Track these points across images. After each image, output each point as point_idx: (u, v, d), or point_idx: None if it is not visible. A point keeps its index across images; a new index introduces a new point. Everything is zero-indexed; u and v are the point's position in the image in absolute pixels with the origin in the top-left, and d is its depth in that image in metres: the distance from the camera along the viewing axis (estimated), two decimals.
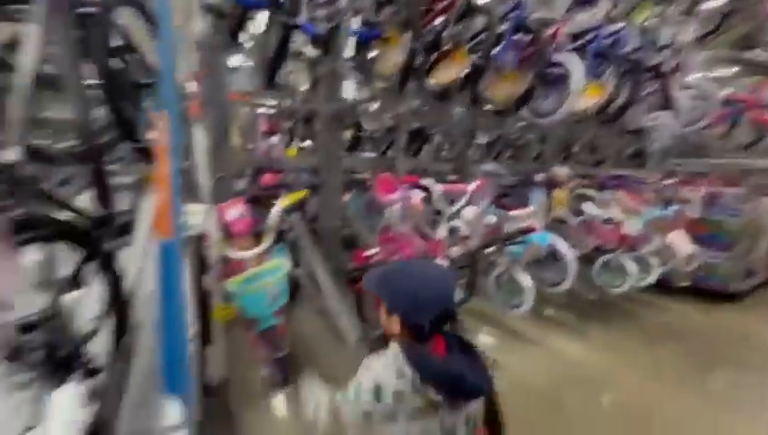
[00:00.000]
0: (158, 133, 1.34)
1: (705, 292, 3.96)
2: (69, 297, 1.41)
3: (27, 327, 1.25)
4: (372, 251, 3.03)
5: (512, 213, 2.67)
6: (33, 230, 1.22)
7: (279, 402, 2.24)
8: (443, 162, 4.81)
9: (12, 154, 1.16)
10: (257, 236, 2.49)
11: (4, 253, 1.03)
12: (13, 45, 1.31)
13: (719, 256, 3.90)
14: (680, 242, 3.47)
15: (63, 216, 1.43)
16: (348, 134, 4.62)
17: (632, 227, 3.29)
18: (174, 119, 1.34)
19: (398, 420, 0.90)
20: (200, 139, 3.12)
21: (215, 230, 2.36)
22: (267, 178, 4.87)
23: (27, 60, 1.26)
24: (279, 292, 1.69)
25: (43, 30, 1.30)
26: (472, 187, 2.43)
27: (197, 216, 2.31)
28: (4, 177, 1.18)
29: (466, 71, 2.38)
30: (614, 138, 4.22)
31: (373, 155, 4.88)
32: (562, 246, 2.82)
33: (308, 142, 5.51)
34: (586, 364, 2.64)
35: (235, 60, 3.51)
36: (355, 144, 4.54)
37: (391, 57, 2.25)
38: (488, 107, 2.85)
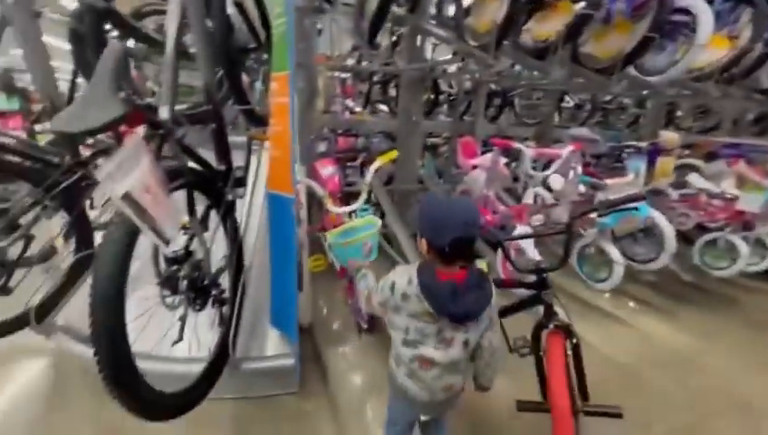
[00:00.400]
0: (277, 95, 1.47)
1: None
2: (202, 238, 1.67)
3: (176, 260, 1.51)
4: None
5: (609, 182, 2.47)
6: (180, 179, 1.44)
7: (362, 345, 2.44)
8: (524, 127, 4.56)
9: (165, 113, 1.35)
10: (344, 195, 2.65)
11: (165, 196, 1.24)
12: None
13: None
14: None
15: (197, 169, 1.65)
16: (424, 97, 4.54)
17: (750, 203, 2.88)
18: (292, 81, 1.46)
19: (402, 315, 1.12)
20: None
21: (305, 187, 2.56)
22: (341, 142, 5.04)
23: (171, 31, 1.43)
24: (372, 246, 1.82)
25: (180, 2, 1.47)
26: (566, 151, 2.29)
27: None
28: (158, 133, 1.39)
29: (568, 23, 2.16)
30: (735, 100, 3.61)
31: (448, 119, 4.77)
32: (661, 220, 2.58)
33: (383, 106, 5.56)
34: (678, 348, 2.47)
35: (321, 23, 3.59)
36: (432, 107, 4.46)
37: (488, 11, 2.12)
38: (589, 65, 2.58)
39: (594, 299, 2.95)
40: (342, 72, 6.09)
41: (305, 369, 2.07)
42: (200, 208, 1.71)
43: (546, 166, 2.45)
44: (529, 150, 2.23)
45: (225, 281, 1.81)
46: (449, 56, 4.07)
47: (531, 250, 2.19)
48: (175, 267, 1.52)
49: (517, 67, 3.32)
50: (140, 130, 1.25)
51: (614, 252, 2.57)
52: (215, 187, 1.74)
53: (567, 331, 1.50)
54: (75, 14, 1.94)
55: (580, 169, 2.33)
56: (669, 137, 2.73)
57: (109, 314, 1.12)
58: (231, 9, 2.24)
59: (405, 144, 3.70)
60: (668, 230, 2.62)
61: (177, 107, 1.57)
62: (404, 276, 1.11)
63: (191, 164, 1.62)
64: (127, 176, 0.98)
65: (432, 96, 4.38)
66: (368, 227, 1.87)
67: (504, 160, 2.69)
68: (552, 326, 1.51)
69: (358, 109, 4.80)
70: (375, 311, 1.26)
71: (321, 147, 4.49)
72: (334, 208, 1.80)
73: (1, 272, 1.76)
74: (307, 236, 2.51)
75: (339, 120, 3.77)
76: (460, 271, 1.09)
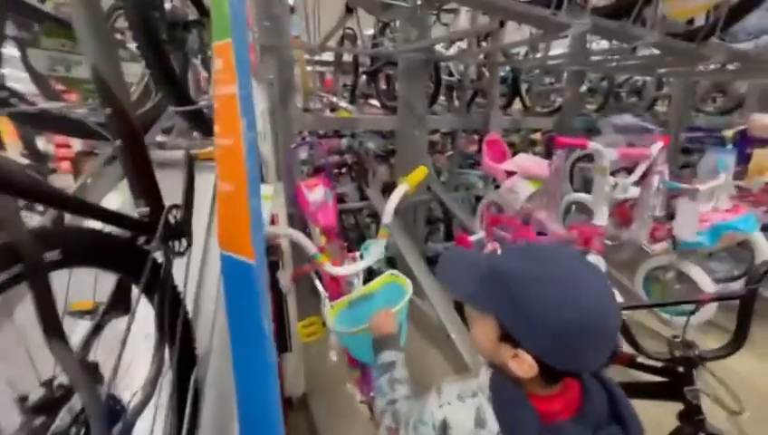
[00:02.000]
0: (221, 80, 0.74)
1: None
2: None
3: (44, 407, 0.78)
4: (476, 236, 2.39)
5: (700, 187, 1.83)
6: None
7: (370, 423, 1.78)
8: (542, 116, 3.92)
9: None
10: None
11: None
12: None
13: None
14: None
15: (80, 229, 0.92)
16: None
17: None
18: (241, 52, 0.73)
19: None
20: (259, 98, 2.57)
21: (284, 212, 1.84)
22: (324, 145, 4.30)
23: None
24: (402, 325, 1.12)
25: None
26: (656, 149, 1.63)
27: (266, 200, 1.80)
28: None
29: None
30: None
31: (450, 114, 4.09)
32: (756, 234, 1.97)
33: (373, 101, 4.83)
34: None
35: None
36: (432, 99, 3.76)
37: None
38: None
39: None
40: (320, 64, 5.36)
41: None
42: (106, 286, 1.00)
43: (620, 171, 1.80)
44: (610, 151, 1.57)
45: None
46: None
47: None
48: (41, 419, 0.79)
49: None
50: None
51: (703, 278, 1.94)
52: (127, 248, 1.01)
53: None
54: None
55: (666, 171, 1.69)
56: (763, 122, 2.12)
57: None
58: None
59: (407, 144, 3.00)
60: (762, 242, 2.02)
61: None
62: (466, 414, 0.62)
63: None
64: None
65: (433, 86, 3.69)
66: (392, 293, 1.17)
67: (543, 163, 2.01)
68: None
69: (342, 104, 4.06)
70: None
71: (303, 154, 3.75)
72: (334, 269, 1.08)
73: None
74: (293, 285, 1.81)
75: (325, 121, 3.04)
76: (569, 388, 0.62)
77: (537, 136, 4.87)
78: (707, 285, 1.93)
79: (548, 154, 2.10)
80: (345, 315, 1.15)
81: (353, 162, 4.33)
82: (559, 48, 3.28)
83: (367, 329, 1.04)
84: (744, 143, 2.15)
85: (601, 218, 1.66)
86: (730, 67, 2.83)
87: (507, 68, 3.90)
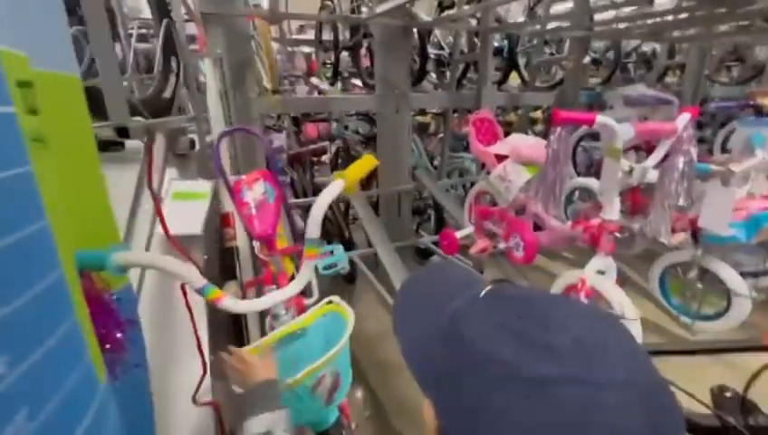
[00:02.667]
0: None
1: None
2: None
3: None
4: (464, 232, 2.07)
5: (734, 168, 1.49)
6: None
7: None
8: (541, 91, 3.53)
9: None
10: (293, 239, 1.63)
11: None
12: None
13: None
14: None
15: None
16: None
17: None
18: None
19: None
20: (211, 79, 2.23)
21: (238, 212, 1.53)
22: (311, 130, 3.95)
23: None
24: (341, 374, 0.82)
25: None
26: (682, 121, 1.28)
27: (201, 199, 1.49)
28: None
29: None
30: None
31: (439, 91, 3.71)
32: None
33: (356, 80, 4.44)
34: None
35: None
36: (419, 76, 3.38)
37: None
38: None
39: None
40: (305, 44, 4.95)
41: None
42: None
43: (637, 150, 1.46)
44: (626, 127, 1.22)
45: None
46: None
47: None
48: None
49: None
50: None
51: (734, 278, 1.62)
52: None
53: None
54: None
55: (695, 152, 1.35)
56: None
57: None
58: None
59: (388, 127, 2.66)
60: None
61: None
62: None
63: None
64: None
65: (419, 60, 3.30)
66: (332, 326, 0.87)
67: (540, 144, 1.67)
68: None
69: (323, 86, 3.69)
70: None
71: (278, 141, 3.41)
72: (235, 306, 0.74)
73: None
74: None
75: (294, 103, 2.69)
76: None
77: (538, 114, 4.49)
78: (740, 286, 1.61)
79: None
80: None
81: (338, 148, 4.00)
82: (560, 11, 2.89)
83: (295, 384, 0.74)
84: None
85: (612, 212, 1.34)
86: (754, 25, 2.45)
87: (503, 39, 3.50)
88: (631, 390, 0.28)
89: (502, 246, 1.84)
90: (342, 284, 2.81)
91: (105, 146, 0.95)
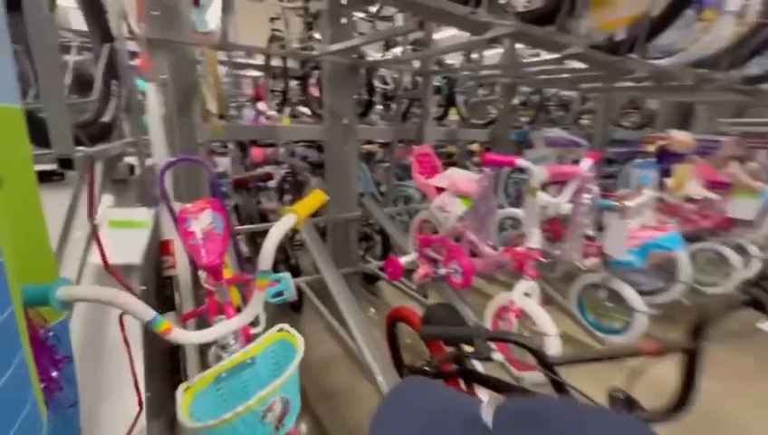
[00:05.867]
0: None
1: None
2: None
3: None
4: (408, 258, 2.18)
5: (629, 204, 1.78)
6: None
7: None
8: (475, 128, 3.88)
9: None
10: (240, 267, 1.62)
11: None
12: None
13: None
14: None
15: None
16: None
17: (742, 210, 2.44)
18: None
19: None
20: (153, 104, 2.17)
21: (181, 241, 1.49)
22: (257, 154, 3.92)
23: None
24: (290, 399, 0.84)
25: None
26: (586, 166, 1.54)
27: (139, 227, 1.43)
28: None
29: None
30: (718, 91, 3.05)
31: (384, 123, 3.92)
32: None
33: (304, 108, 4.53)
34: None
35: None
36: (366, 108, 3.56)
37: None
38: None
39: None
40: (253, 68, 4.95)
41: None
42: None
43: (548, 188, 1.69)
44: (539, 169, 1.44)
45: None
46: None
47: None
48: None
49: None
50: None
51: (634, 297, 1.90)
52: None
53: None
54: None
55: (596, 190, 1.61)
56: (681, 137, 2.16)
57: None
58: None
59: (336, 156, 2.75)
60: (684, 261, 2.03)
61: None
62: None
63: None
64: None
65: (366, 94, 3.49)
66: (282, 354, 0.89)
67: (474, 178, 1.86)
68: None
69: (270, 113, 3.72)
70: None
71: (222, 166, 3.34)
72: (182, 337, 0.75)
73: None
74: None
75: (240, 129, 2.69)
76: None
77: (475, 146, 4.89)
78: (639, 304, 1.89)
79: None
80: (210, 397, 0.85)
81: (286, 174, 3.99)
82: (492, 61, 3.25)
83: (253, 405, 0.75)
84: (665, 159, 2.20)
85: (534, 241, 1.53)
86: (645, 84, 2.97)
87: (443, 79, 3.83)
88: None
89: (443, 271, 1.97)
90: (289, 311, 2.77)
91: (46, 177, 0.92)
